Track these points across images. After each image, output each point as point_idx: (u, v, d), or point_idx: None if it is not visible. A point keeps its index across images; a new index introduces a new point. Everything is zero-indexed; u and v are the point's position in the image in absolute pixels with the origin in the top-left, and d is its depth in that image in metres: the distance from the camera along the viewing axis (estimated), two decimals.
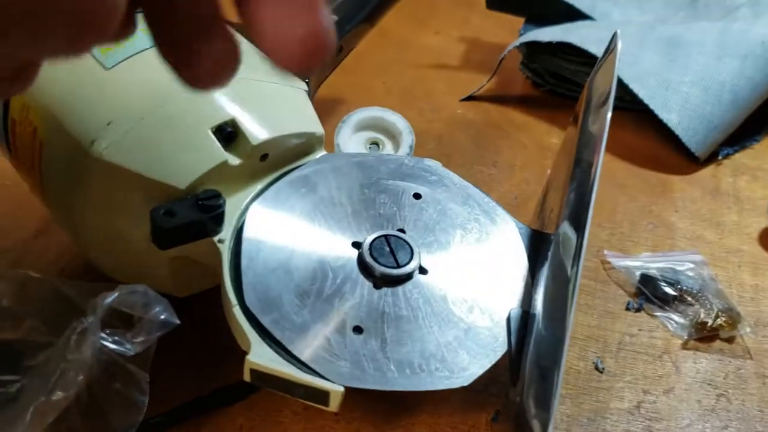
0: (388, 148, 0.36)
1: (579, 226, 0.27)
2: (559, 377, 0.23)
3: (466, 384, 0.27)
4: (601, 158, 0.27)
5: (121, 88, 0.30)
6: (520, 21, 0.57)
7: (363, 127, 0.36)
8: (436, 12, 0.66)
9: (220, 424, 0.31)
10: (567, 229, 0.28)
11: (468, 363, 0.28)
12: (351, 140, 0.35)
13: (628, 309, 0.36)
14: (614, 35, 0.32)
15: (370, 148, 0.36)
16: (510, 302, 0.30)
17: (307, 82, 0.35)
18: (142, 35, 0.33)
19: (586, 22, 0.52)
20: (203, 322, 0.32)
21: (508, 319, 0.29)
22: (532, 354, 0.27)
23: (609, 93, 0.29)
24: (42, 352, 0.32)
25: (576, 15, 0.54)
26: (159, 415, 0.30)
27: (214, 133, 0.30)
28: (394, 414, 0.31)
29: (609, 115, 0.28)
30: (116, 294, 0.27)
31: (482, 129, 0.51)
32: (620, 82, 0.47)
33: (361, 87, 0.55)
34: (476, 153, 0.48)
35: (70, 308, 0.31)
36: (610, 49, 0.32)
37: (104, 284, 0.30)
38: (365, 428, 0.31)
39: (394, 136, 0.36)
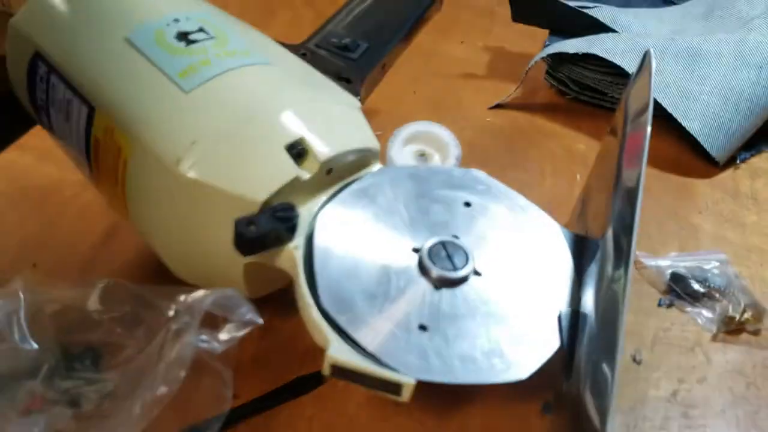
0: (435, 159, 0.39)
1: (627, 232, 0.30)
2: (616, 371, 0.26)
3: (524, 378, 0.30)
4: (644, 168, 0.30)
5: (202, 109, 0.33)
6: (540, 31, 0.60)
7: (412, 140, 0.39)
8: (460, 22, 0.69)
9: (293, 415, 0.34)
10: (614, 235, 0.31)
11: (524, 358, 0.31)
12: (402, 153, 0.38)
13: (660, 306, 0.39)
14: (647, 54, 0.34)
15: (418, 159, 0.39)
16: (558, 301, 0.33)
17: (360, 100, 0.38)
18: (215, 61, 0.36)
19: (609, 35, 0.55)
20: (270, 322, 0.35)
21: (560, 318, 0.32)
22: (586, 349, 0.30)
23: (647, 107, 0.32)
24: (123, 353, 0.35)
25: (598, 27, 0.56)
26: (240, 407, 0.33)
27: (287, 150, 0.33)
28: (450, 406, 0.34)
29: (649, 128, 0.31)
30: (212, 297, 0.30)
31: (511, 136, 0.54)
32: None
33: (392, 97, 0.58)
34: (507, 159, 0.51)
35: (148, 310, 0.34)
36: (644, 66, 0.35)
37: (180, 287, 0.33)
38: (426, 418, 0.34)
39: (440, 148, 0.39)
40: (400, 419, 0.34)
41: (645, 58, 0.35)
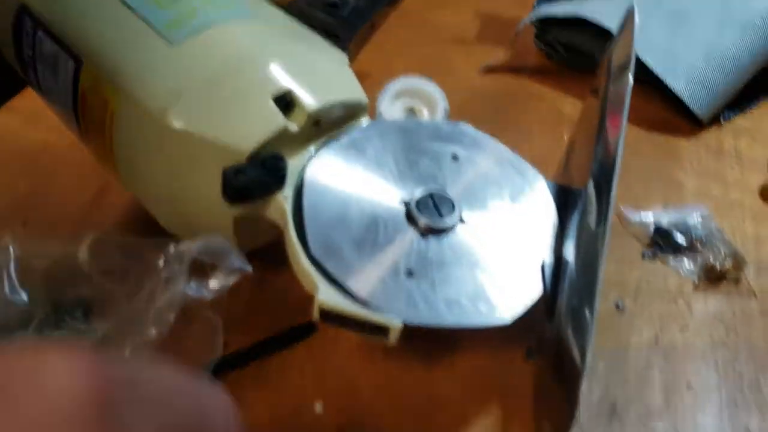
0: (424, 114, 0.39)
1: (608, 180, 0.30)
2: (594, 311, 0.27)
3: (508, 321, 0.31)
4: (625, 122, 0.31)
5: (189, 61, 0.33)
6: None
7: (401, 95, 0.40)
8: None
9: (284, 365, 0.34)
10: (595, 185, 0.32)
11: (508, 303, 0.31)
12: (391, 108, 0.39)
13: (644, 258, 0.40)
14: (631, 10, 0.35)
15: (407, 114, 0.40)
16: (542, 249, 0.34)
17: (348, 57, 0.39)
18: (202, 14, 0.36)
19: None
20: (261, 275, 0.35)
21: (543, 265, 0.33)
22: (567, 295, 0.31)
23: (629, 62, 0.33)
24: (113, 305, 0.35)
25: None
26: (231, 354, 0.34)
27: (274, 102, 0.33)
28: (437, 351, 0.35)
29: (630, 81, 0.32)
30: (200, 244, 0.30)
31: (500, 99, 0.54)
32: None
33: (382, 63, 0.58)
34: (496, 122, 0.51)
35: (138, 262, 0.35)
36: (626, 23, 0.35)
37: (170, 239, 0.33)
38: (413, 364, 0.34)
39: (429, 103, 0.39)
40: (389, 365, 0.34)
41: (627, 16, 0.36)
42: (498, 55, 0.57)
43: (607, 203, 0.30)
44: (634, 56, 0.33)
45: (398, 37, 0.62)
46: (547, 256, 0.33)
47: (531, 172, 0.37)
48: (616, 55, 0.36)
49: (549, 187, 0.36)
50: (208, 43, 0.34)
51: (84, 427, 0.14)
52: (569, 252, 0.33)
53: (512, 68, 0.57)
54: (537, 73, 0.56)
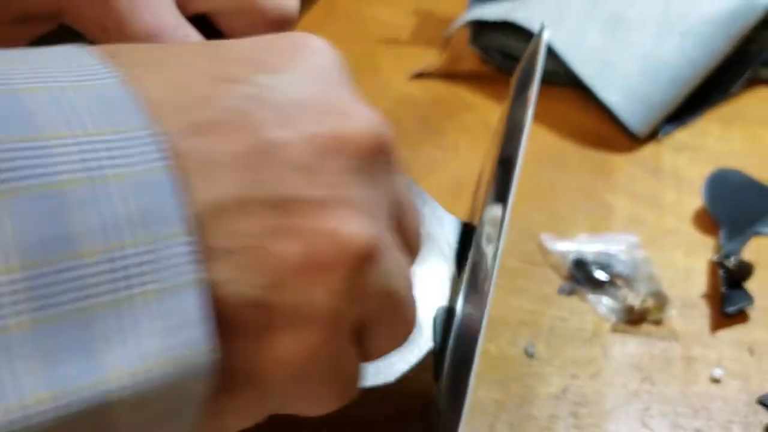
0: None
1: (502, 209, 0.27)
2: (471, 374, 0.24)
3: (391, 380, 0.28)
4: (524, 143, 0.28)
5: None
6: None
7: None
8: None
9: None
10: (488, 215, 0.29)
11: (395, 359, 0.28)
12: None
13: (560, 293, 0.37)
14: (541, 28, 0.31)
15: None
16: (437, 299, 0.31)
17: None
18: None
19: (532, 0, 0.51)
20: None
21: (435, 317, 0.30)
22: (452, 351, 0.28)
23: (533, 81, 0.29)
24: None
25: None
26: None
27: None
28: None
29: (530, 109, 0.28)
30: None
31: (429, 108, 0.50)
32: (561, 61, 0.47)
33: None
34: (422, 134, 0.48)
35: None
36: (537, 38, 0.32)
37: None
38: (300, 420, 0.31)
39: None
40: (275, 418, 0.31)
41: (539, 31, 0.32)
42: (431, 57, 0.53)
43: (498, 235, 0.27)
44: (538, 80, 0.29)
45: (329, 35, 0.57)
46: (440, 307, 0.30)
47: (426, 209, 0.33)
48: (521, 72, 0.32)
49: (452, 224, 0.33)
50: None
51: (341, 84, 0.19)
52: (460, 299, 0.30)
53: (445, 74, 0.53)
54: (471, 79, 0.53)
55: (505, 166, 0.30)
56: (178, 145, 0.15)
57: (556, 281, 0.38)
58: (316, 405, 0.19)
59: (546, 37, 0.31)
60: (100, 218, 0.13)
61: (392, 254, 0.19)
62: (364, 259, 0.17)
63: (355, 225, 0.16)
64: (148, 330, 0.13)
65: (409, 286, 0.20)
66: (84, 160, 0.14)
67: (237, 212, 0.15)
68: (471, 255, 0.30)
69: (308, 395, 0.18)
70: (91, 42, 0.28)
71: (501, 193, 0.28)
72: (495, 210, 0.28)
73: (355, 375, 0.20)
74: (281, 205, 0.16)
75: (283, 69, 0.18)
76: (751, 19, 0.46)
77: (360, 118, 0.18)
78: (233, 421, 0.17)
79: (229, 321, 0.15)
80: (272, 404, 0.18)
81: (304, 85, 0.18)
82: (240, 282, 0.15)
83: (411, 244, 0.21)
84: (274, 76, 0.18)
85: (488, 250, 0.28)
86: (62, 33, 0.29)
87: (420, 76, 0.53)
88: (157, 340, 0.14)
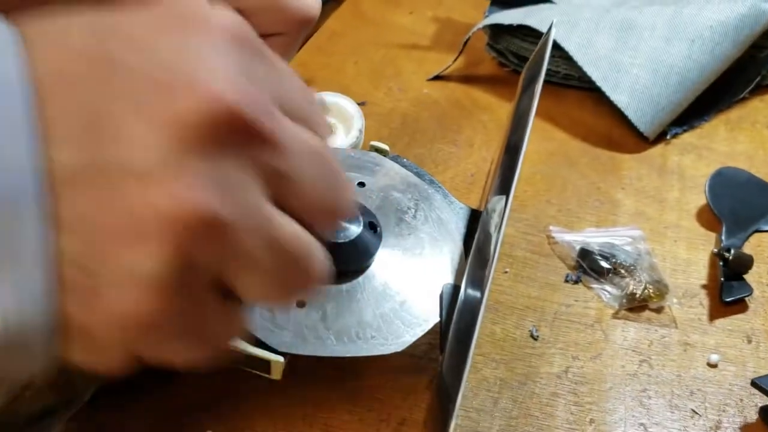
0: (339, 129, 0.38)
1: (504, 198, 0.29)
2: (470, 348, 0.26)
3: (399, 350, 0.30)
4: (527, 136, 0.30)
5: None
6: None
7: None
8: None
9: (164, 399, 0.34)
10: (492, 203, 0.31)
11: (402, 332, 0.31)
12: None
13: (566, 281, 0.39)
14: (550, 26, 0.33)
15: None
16: (445, 278, 0.33)
17: None
18: None
19: (547, 5, 0.53)
20: None
21: (441, 293, 0.32)
22: (455, 325, 0.30)
23: (539, 77, 0.31)
24: None
25: None
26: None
27: None
28: (338, 380, 0.34)
29: (536, 100, 0.31)
30: None
31: (446, 108, 0.53)
32: (576, 64, 0.49)
33: (333, 67, 0.57)
34: (438, 132, 0.50)
35: None
36: (546, 37, 0.34)
37: None
38: (312, 393, 0.33)
39: (345, 120, 0.38)
40: (287, 395, 0.34)
41: (548, 29, 0.34)
42: (450, 61, 0.55)
43: (501, 221, 0.29)
44: (542, 76, 0.31)
45: (352, 41, 0.61)
46: (447, 285, 0.32)
47: (438, 199, 0.36)
48: (529, 69, 0.34)
49: (461, 212, 0.35)
50: None
51: (242, 48, 0.19)
52: (465, 279, 0.32)
53: (463, 77, 0.56)
54: (487, 82, 0.55)
55: (511, 153, 0.32)
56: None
57: (563, 270, 0.39)
58: (179, 355, 0.19)
59: (553, 33, 0.33)
60: None
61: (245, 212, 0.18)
62: (196, 228, 0.17)
63: (185, 197, 0.17)
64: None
65: (284, 225, 0.20)
66: None
67: (72, 183, 0.17)
68: (476, 237, 0.32)
69: (164, 348, 0.19)
70: None
71: (506, 179, 0.30)
72: (500, 195, 0.31)
73: (219, 327, 0.20)
74: (111, 177, 0.17)
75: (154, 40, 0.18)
76: (759, 25, 0.48)
77: (197, 94, 0.17)
78: (82, 359, 0.18)
79: (61, 281, 0.17)
80: (114, 353, 0.19)
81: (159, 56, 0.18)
82: (68, 249, 0.17)
83: (316, 130, 0.21)
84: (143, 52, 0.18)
85: (493, 233, 0.30)
86: None
87: (438, 78, 0.55)
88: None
